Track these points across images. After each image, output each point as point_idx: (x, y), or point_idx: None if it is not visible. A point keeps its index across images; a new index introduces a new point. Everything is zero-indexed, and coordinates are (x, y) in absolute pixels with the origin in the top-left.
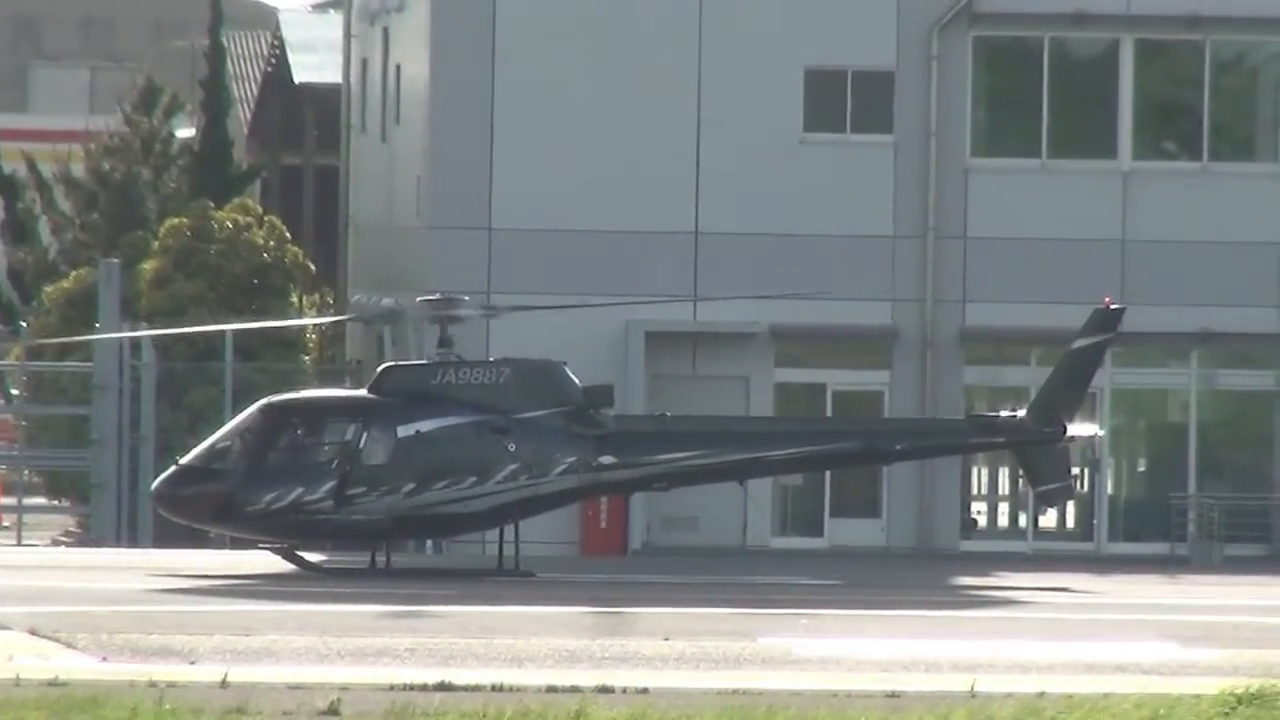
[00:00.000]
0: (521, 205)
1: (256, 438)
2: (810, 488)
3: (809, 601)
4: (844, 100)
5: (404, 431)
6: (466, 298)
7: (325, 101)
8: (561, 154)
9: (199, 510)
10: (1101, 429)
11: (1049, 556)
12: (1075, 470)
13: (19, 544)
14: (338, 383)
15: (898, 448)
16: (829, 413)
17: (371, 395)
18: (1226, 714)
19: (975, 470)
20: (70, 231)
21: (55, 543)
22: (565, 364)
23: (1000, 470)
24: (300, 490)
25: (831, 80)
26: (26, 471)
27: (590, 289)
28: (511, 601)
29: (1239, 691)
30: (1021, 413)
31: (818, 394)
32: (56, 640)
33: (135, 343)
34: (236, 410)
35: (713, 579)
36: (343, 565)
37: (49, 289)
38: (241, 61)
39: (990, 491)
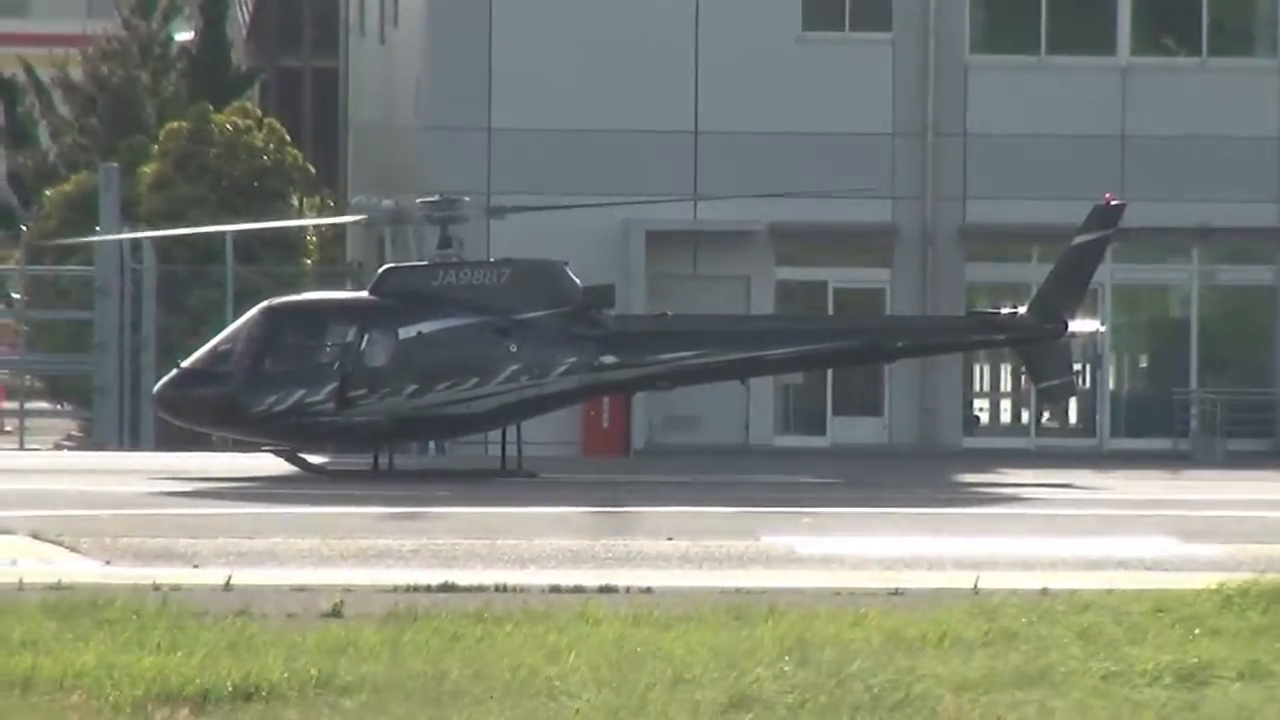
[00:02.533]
0: (520, 105)
1: (258, 340)
2: (812, 387)
3: (812, 500)
4: None
5: (405, 333)
6: (466, 198)
7: (323, 3)
8: (560, 54)
9: (200, 413)
10: (1103, 325)
11: (1051, 453)
12: (1077, 367)
13: (21, 448)
14: (338, 285)
15: (899, 345)
16: (830, 311)
17: (372, 297)
18: (1225, 607)
19: (977, 367)
20: (69, 135)
21: (57, 447)
22: (566, 264)
23: (1002, 367)
24: (302, 393)
25: None
26: (28, 376)
27: (590, 189)
28: (514, 503)
29: (1239, 585)
30: (1022, 310)
31: (818, 292)
32: (59, 544)
33: (135, 246)
34: (237, 313)
35: (715, 478)
36: (345, 467)
37: (49, 193)
38: None
39: (992, 389)
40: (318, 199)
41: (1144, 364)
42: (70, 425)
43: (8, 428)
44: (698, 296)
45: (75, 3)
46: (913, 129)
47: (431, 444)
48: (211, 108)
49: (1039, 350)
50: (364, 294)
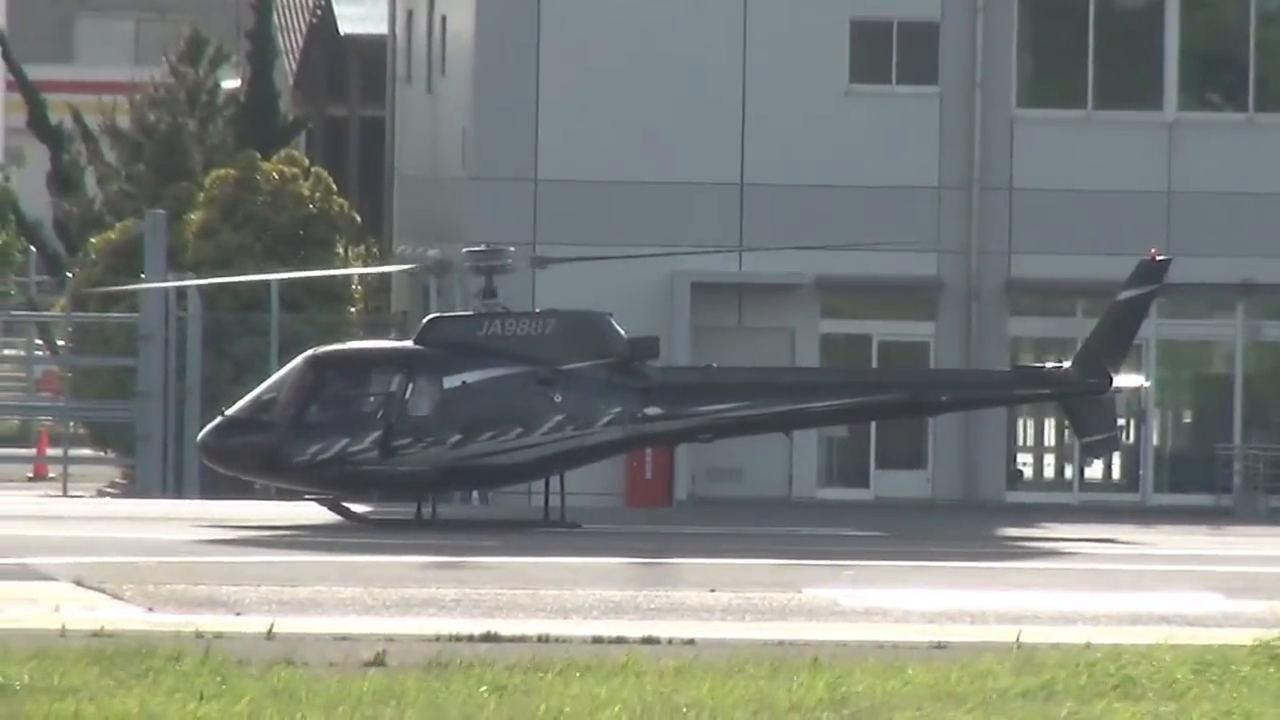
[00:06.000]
0: (567, 156)
1: (302, 389)
2: (856, 439)
3: (854, 553)
4: (889, 51)
5: (450, 383)
6: (512, 249)
7: (370, 53)
8: (607, 105)
9: (245, 461)
10: (1147, 380)
11: (1094, 508)
12: (1121, 421)
13: (65, 495)
14: (383, 334)
15: (943, 399)
16: (874, 364)
17: (417, 346)
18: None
19: (1021, 422)
20: (116, 183)
21: (101, 494)
22: (611, 315)
23: (1046, 421)
24: (346, 441)
25: (877, 31)
26: (72, 423)
27: (636, 240)
28: (557, 553)
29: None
30: (1067, 364)
31: (863, 345)
32: (102, 591)
33: (181, 293)
34: (282, 361)
35: (758, 530)
36: (388, 516)
37: (94, 240)
38: (287, 12)
39: (1035, 443)
40: (363, 248)
41: (1187, 419)
42: (114, 472)
43: (51, 474)
44: (742, 349)
45: (123, 50)
46: (958, 183)
47: (474, 494)
48: (258, 156)
49: (1083, 405)
50: (409, 343)
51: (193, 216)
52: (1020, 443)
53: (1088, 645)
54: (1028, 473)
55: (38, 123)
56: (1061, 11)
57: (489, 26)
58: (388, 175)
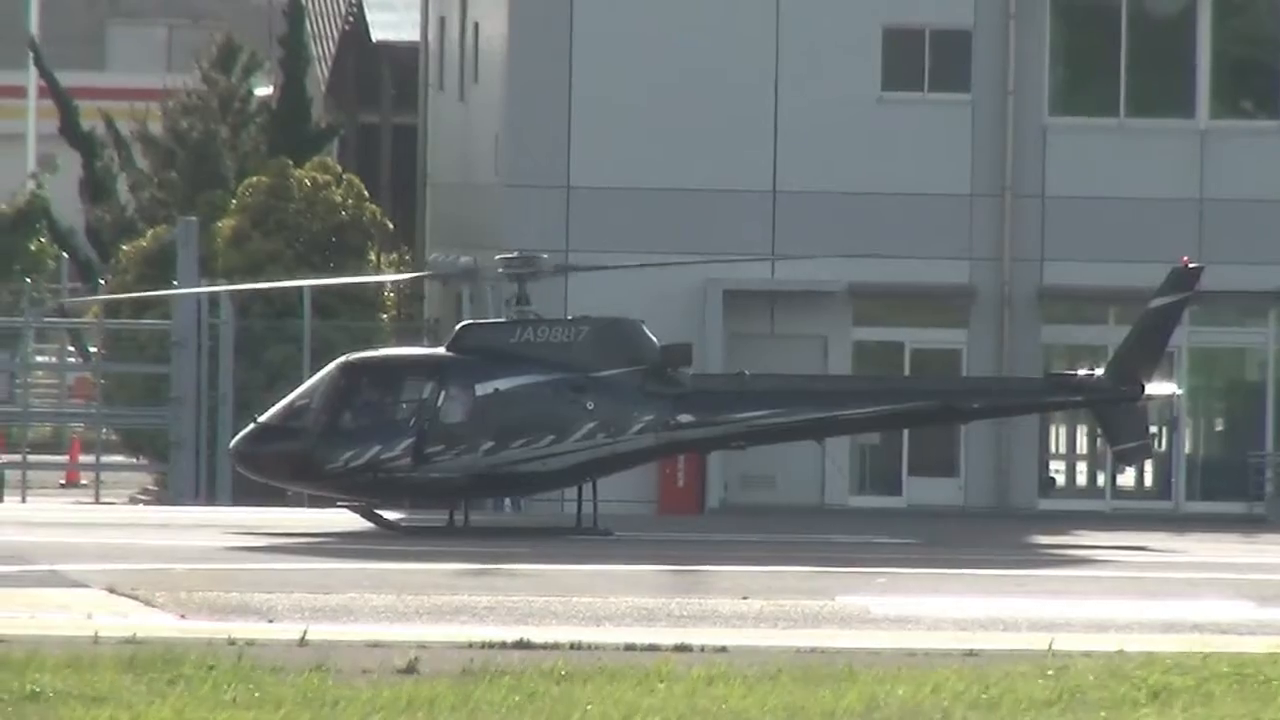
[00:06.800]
0: (599, 163)
1: (335, 396)
2: (888, 447)
3: (887, 560)
4: (922, 59)
5: (482, 389)
6: (544, 256)
7: (403, 60)
8: (639, 113)
9: (277, 468)
10: (1179, 388)
11: (1127, 515)
12: (1153, 429)
13: (97, 502)
14: (415, 341)
15: (975, 406)
16: (907, 371)
17: (449, 353)
18: None
19: (1053, 429)
20: (148, 190)
21: (133, 501)
22: (643, 322)
23: (1078, 429)
24: (378, 448)
25: (909, 39)
26: (104, 429)
27: (668, 247)
28: (589, 560)
29: None
30: (1099, 372)
31: (895, 353)
32: (135, 598)
33: (213, 300)
34: (315, 368)
35: (790, 538)
36: (421, 523)
37: (126, 247)
38: (319, 19)
39: (1068, 450)
40: (395, 255)
41: (1220, 427)
42: (146, 479)
43: (84, 481)
44: (775, 356)
45: (155, 56)
46: (991, 190)
47: (507, 501)
48: (290, 163)
49: (1115, 413)
50: (441, 350)
51: (225, 223)
52: (1053, 450)
53: (1120, 653)
54: (1060, 480)
55: (70, 129)
56: (1094, 19)
57: (521, 34)
58: (420, 182)
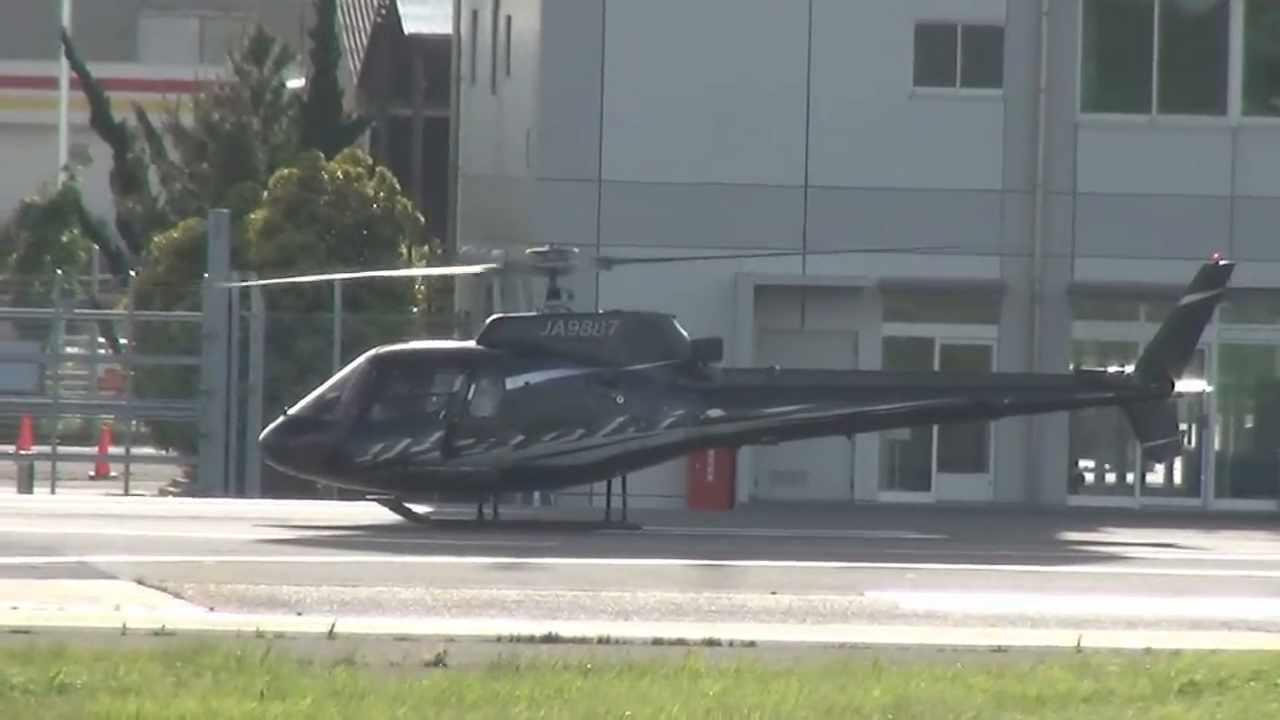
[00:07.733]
0: (631, 158)
1: (365, 389)
2: (918, 442)
3: (916, 556)
4: (954, 54)
5: (512, 383)
6: (576, 250)
7: (435, 52)
8: (671, 107)
9: (307, 461)
10: (1209, 385)
11: (1156, 513)
12: (1183, 426)
13: (126, 494)
14: (446, 334)
15: (1005, 402)
16: (937, 367)
17: (480, 347)
18: None
19: (1083, 426)
20: (179, 181)
21: (163, 493)
22: (674, 317)
23: (1108, 426)
24: (408, 442)
25: (942, 34)
26: (134, 422)
27: (699, 242)
28: (618, 554)
29: None
30: (1129, 368)
31: (926, 348)
32: (163, 590)
33: (244, 293)
34: (345, 361)
35: (820, 533)
36: (450, 517)
37: (158, 238)
38: (351, 11)
39: (1097, 447)
40: (427, 248)
41: (1250, 424)
42: (176, 471)
43: (113, 473)
44: (805, 351)
45: (187, 48)
46: (1022, 186)
47: (536, 495)
48: (322, 155)
49: (1145, 410)
50: (472, 344)
51: (256, 216)
52: (1082, 447)
53: (1148, 650)
54: (1089, 477)
55: (101, 121)
56: (1126, 16)
57: (554, 27)
58: (451, 175)
